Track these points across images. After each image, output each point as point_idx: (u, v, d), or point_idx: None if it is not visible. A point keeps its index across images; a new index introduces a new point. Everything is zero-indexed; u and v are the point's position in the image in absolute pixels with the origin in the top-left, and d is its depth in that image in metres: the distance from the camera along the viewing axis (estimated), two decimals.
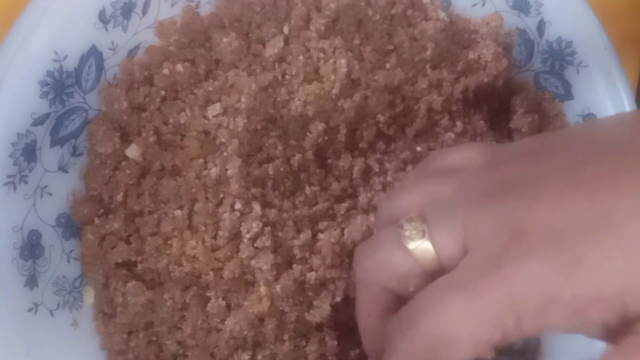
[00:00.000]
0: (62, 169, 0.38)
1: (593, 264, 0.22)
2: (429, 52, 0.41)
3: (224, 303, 0.37)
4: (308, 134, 0.39)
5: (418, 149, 0.39)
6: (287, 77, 0.40)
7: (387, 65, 0.41)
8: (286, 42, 0.40)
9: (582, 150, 0.25)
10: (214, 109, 0.39)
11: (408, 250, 0.26)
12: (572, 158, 0.25)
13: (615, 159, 0.24)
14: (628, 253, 0.22)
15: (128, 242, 0.38)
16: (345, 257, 0.37)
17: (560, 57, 0.42)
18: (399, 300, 0.28)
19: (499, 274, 0.23)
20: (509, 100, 0.43)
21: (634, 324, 0.23)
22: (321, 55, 0.40)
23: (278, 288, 0.36)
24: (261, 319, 0.37)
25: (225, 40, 0.39)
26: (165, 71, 0.40)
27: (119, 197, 0.39)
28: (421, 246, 0.26)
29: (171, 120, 0.39)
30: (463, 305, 0.24)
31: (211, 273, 0.37)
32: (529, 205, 0.24)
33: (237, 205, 0.37)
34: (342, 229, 0.38)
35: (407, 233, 0.26)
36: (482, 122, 0.41)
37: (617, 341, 0.24)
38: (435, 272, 0.26)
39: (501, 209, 0.25)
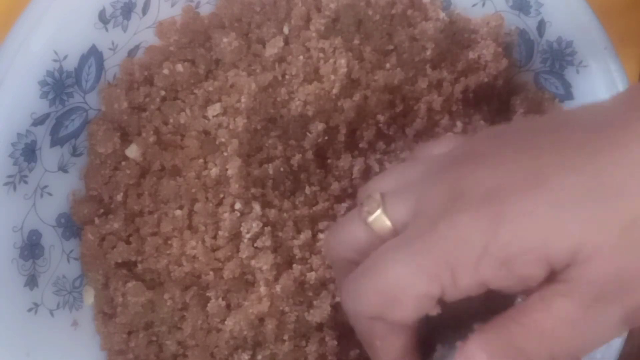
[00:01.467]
0: (62, 169, 0.38)
1: (518, 217, 0.23)
2: (429, 52, 0.41)
3: (224, 303, 0.37)
4: (308, 134, 0.39)
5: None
6: (287, 77, 0.40)
7: (387, 65, 0.41)
8: (286, 42, 0.40)
9: (536, 127, 0.26)
10: (214, 109, 0.39)
11: (367, 223, 0.28)
12: (525, 133, 0.26)
13: (564, 133, 0.25)
14: (552, 207, 0.23)
15: (128, 242, 0.38)
16: None
17: (560, 57, 0.42)
18: None
19: (435, 231, 0.24)
20: (509, 100, 0.43)
21: (557, 274, 0.24)
22: (321, 55, 0.40)
23: (278, 288, 0.36)
24: (261, 319, 0.37)
25: (225, 40, 0.39)
26: (165, 71, 0.40)
27: (119, 197, 0.39)
28: (378, 218, 0.27)
29: (171, 120, 0.39)
30: (405, 262, 0.25)
31: (211, 273, 0.37)
32: (472, 170, 0.25)
33: (237, 205, 0.37)
34: None
35: (365, 208, 0.28)
36: (482, 122, 0.41)
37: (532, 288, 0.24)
38: None
39: (448, 177, 0.26)
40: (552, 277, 0.24)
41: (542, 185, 0.23)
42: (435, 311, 0.26)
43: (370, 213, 0.28)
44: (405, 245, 0.25)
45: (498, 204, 0.24)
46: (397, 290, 0.25)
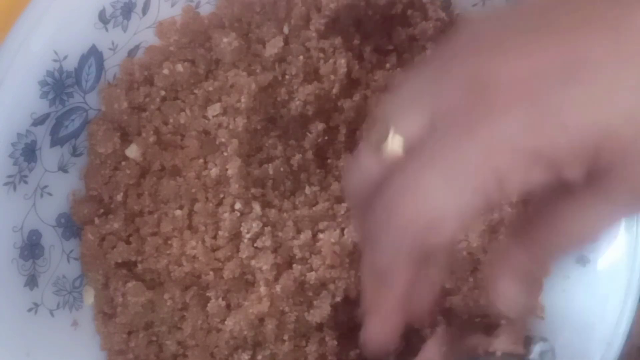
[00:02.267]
0: (62, 169, 0.38)
1: (568, 111, 0.21)
2: (429, 52, 0.41)
3: (224, 303, 0.37)
4: (308, 134, 0.39)
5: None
6: (287, 77, 0.40)
7: (387, 65, 0.41)
8: (286, 42, 0.40)
9: (553, 1, 0.23)
10: (214, 109, 0.39)
11: (380, 153, 0.25)
12: (541, 9, 0.23)
13: (580, 2, 0.22)
14: (602, 97, 0.21)
15: (128, 242, 0.38)
16: (345, 257, 0.37)
17: None
18: None
19: (471, 136, 0.22)
20: None
21: (600, 177, 0.22)
22: (321, 55, 0.40)
23: (278, 288, 0.36)
24: (261, 319, 0.37)
25: (225, 40, 0.39)
26: (165, 71, 0.40)
27: (119, 197, 0.39)
28: (390, 143, 0.24)
29: (171, 120, 0.39)
30: (440, 175, 0.22)
31: (211, 273, 0.37)
32: (497, 61, 0.22)
33: (237, 205, 0.37)
34: (342, 229, 0.38)
35: (374, 136, 0.25)
36: None
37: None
38: None
39: (462, 73, 0.23)
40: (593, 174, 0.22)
41: (587, 73, 0.21)
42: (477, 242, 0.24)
43: (381, 140, 0.24)
44: (436, 157, 0.23)
45: (542, 96, 0.21)
46: (440, 208, 0.23)
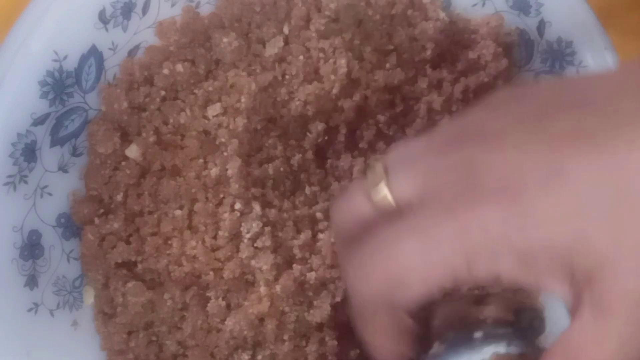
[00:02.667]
0: (62, 169, 0.38)
1: (543, 213, 0.23)
2: (429, 52, 0.41)
3: (224, 303, 0.37)
4: (308, 134, 0.39)
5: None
6: (287, 77, 0.40)
7: (387, 65, 0.41)
8: (286, 42, 0.40)
9: (548, 102, 0.25)
10: (214, 109, 0.39)
11: (369, 196, 0.27)
12: (536, 110, 0.25)
13: (577, 114, 0.24)
14: (578, 206, 0.22)
15: (128, 242, 0.38)
16: None
17: (560, 57, 0.42)
18: None
19: (453, 218, 0.24)
20: None
21: (584, 293, 0.23)
22: (321, 55, 0.40)
23: (278, 288, 0.36)
24: (261, 319, 0.37)
25: (225, 40, 0.39)
26: (165, 71, 0.40)
27: (119, 197, 0.39)
28: (380, 192, 0.26)
29: (171, 120, 0.39)
30: (416, 245, 0.24)
31: (211, 273, 0.37)
32: (487, 153, 0.24)
33: (237, 205, 0.37)
34: None
35: (368, 180, 0.27)
36: None
37: (572, 310, 0.24)
38: (397, 217, 0.26)
39: (459, 157, 0.25)
40: (576, 287, 0.23)
41: (564, 181, 0.23)
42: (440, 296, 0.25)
43: (372, 186, 0.27)
44: (417, 228, 0.25)
45: (520, 196, 0.23)
46: (408, 273, 0.25)
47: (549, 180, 0.23)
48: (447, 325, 0.28)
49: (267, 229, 0.37)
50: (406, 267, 0.25)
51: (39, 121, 0.36)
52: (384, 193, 0.26)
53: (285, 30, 0.41)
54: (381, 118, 0.40)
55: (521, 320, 0.28)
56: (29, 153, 0.36)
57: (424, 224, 0.25)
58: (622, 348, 0.23)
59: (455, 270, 0.24)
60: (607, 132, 0.23)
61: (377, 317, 0.27)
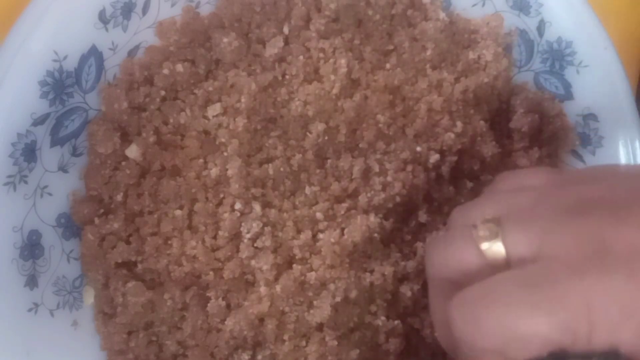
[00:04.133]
0: (62, 169, 0.38)
1: None
2: (429, 52, 0.41)
3: (224, 303, 0.37)
4: (308, 134, 0.39)
5: (418, 149, 0.39)
6: (287, 77, 0.40)
7: (387, 65, 0.41)
8: (286, 42, 0.40)
9: None
10: (214, 109, 0.39)
11: (480, 249, 0.26)
12: None
13: None
14: None
15: (128, 242, 0.38)
16: (346, 257, 0.37)
17: (560, 57, 0.42)
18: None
19: (580, 282, 0.23)
20: (509, 100, 0.43)
21: None
22: (321, 55, 0.40)
23: (278, 288, 0.36)
24: (261, 319, 0.37)
25: (225, 40, 0.39)
26: (165, 71, 0.40)
27: (119, 197, 0.39)
28: (493, 246, 0.26)
29: (171, 120, 0.39)
30: (539, 305, 0.24)
31: (211, 273, 0.37)
32: (615, 225, 0.24)
33: (237, 205, 0.37)
34: (342, 229, 0.38)
35: (481, 233, 0.27)
36: (482, 122, 0.41)
37: None
38: (501, 269, 0.26)
39: (585, 226, 0.25)
40: None
41: None
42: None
43: (485, 239, 0.26)
44: (538, 286, 0.24)
45: None
46: (528, 331, 0.24)
47: None
48: None
49: (267, 229, 0.37)
50: (527, 327, 0.24)
51: (39, 121, 0.36)
52: (497, 245, 0.26)
53: (285, 30, 0.41)
54: (381, 118, 0.40)
55: None
56: (29, 153, 0.36)
57: (544, 281, 0.24)
58: None
59: (576, 335, 0.24)
60: None
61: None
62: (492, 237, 0.26)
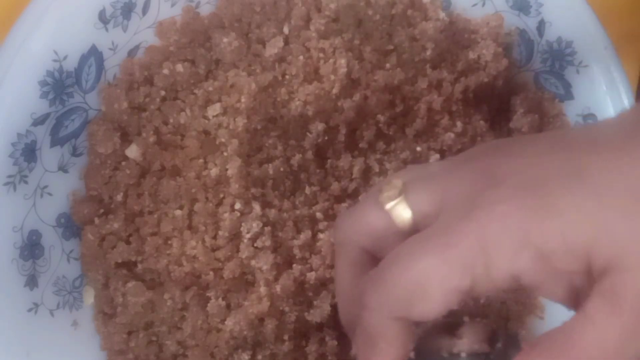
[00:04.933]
0: (62, 169, 0.38)
1: (564, 211, 0.23)
2: (429, 52, 0.41)
3: (224, 303, 0.37)
4: (308, 134, 0.39)
5: (418, 149, 0.39)
6: (287, 77, 0.40)
7: (387, 65, 0.41)
8: (286, 42, 0.40)
9: (567, 132, 0.27)
10: (214, 109, 0.39)
11: (385, 209, 0.27)
12: (556, 133, 0.26)
13: (595, 130, 0.25)
14: (597, 205, 0.23)
15: (128, 242, 0.38)
16: None
17: (560, 57, 0.42)
18: (375, 263, 0.27)
19: (471, 219, 0.24)
20: (509, 100, 0.43)
21: (596, 284, 0.23)
22: (321, 55, 0.40)
23: (278, 288, 0.36)
24: (261, 319, 0.37)
25: (225, 40, 0.39)
26: (165, 71, 0.40)
27: (119, 197, 0.39)
28: (398, 205, 0.26)
29: (171, 120, 0.39)
30: (435, 253, 0.24)
31: (211, 273, 0.37)
32: (506, 160, 0.25)
33: (237, 205, 0.37)
34: None
35: (385, 194, 0.27)
36: (482, 122, 0.41)
37: (580, 307, 0.24)
38: (411, 233, 0.26)
39: (478, 166, 0.25)
40: (588, 281, 0.23)
41: (588, 182, 0.23)
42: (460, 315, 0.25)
43: (390, 199, 0.27)
44: (436, 236, 0.24)
45: (543, 194, 0.23)
46: (428, 282, 0.24)
47: (570, 179, 0.23)
48: (439, 338, 0.28)
49: (267, 229, 0.37)
50: (426, 276, 0.24)
51: (39, 121, 0.36)
52: (401, 205, 0.26)
53: (285, 30, 0.41)
54: (381, 118, 0.40)
55: (496, 349, 0.27)
56: (29, 153, 0.36)
57: (440, 232, 0.24)
58: (625, 343, 0.23)
59: (475, 273, 0.24)
60: (624, 139, 0.23)
61: (385, 334, 0.26)
62: (395, 196, 0.26)
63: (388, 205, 0.27)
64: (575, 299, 0.25)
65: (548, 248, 0.23)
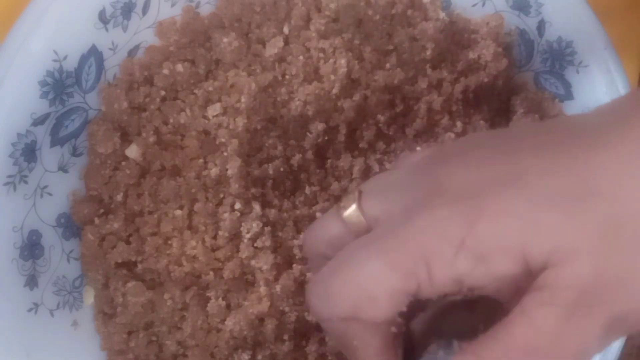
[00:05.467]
0: (62, 169, 0.38)
1: (496, 213, 0.23)
2: (429, 52, 0.41)
3: (224, 303, 0.37)
4: (308, 134, 0.39)
5: (418, 149, 0.39)
6: (287, 77, 0.40)
7: (387, 65, 0.41)
8: (286, 42, 0.40)
9: (522, 133, 0.27)
10: (214, 109, 0.39)
11: (342, 218, 0.28)
12: (506, 137, 0.26)
13: (544, 137, 0.25)
14: (530, 206, 0.23)
15: (128, 242, 0.38)
16: None
17: (560, 57, 0.42)
18: None
19: (411, 225, 0.24)
20: (509, 100, 0.43)
21: (535, 280, 0.23)
22: (321, 55, 0.40)
23: (278, 288, 0.36)
24: (261, 319, 0.37)
25: (225, 40, 0.39)
26: (165, 71, 0.40)
27: (119, 197, 0.39)
28: (352, 213, 0.27)
29: (171, 120, 0.39)
30: (378, 257, 0.24)
31: (211, 273, 0.37)
32: (448, 168, 0.25)
33: (237, 205, 0.37)
34: None
35: (342, 203, 0.28)
36: (482, 122, 0.41)
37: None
38: None
39: (424, 176, 0.26)
40: (530, 280, 0.24)
41: (521, 184, 0.23)
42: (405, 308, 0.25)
43: (346, 208, 0.27)
44: (377, 240, 0.25)
45: (476, 199, 0.24)
46: (371, 286, 0.25)
47: (505, 186, 0.24)
48: (430, 335, 0.28)
49: (267, 229, 0.37)
50: (370, 280, 0.25)
51: (39, 121, 0.36)
52: (355, 212, 0.27)
53: (285, 30, 0.41)
54: (381, 118, 0.40)
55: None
56: (29, 153, 0.36)
57: (383, 234, 0.25)
58: (562, 333, 0.23)
59: (418, 278, 0.24)
60: (569, 144, 0.24)
61: (352, 335, 0.26)
62: (350, 204, 0.27)
63: (345, 214, 0.27)
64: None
65: (483, 252, 0.23)
